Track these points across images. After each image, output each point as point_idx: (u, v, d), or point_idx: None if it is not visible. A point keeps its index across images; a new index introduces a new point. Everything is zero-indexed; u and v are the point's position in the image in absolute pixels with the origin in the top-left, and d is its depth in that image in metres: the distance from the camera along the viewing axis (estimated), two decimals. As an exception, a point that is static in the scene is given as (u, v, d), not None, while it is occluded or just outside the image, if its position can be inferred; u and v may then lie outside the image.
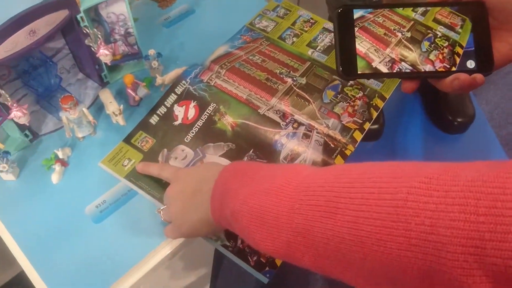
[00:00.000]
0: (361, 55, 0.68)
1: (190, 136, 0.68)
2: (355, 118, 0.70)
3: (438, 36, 0.75)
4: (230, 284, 1.34)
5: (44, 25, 0.56)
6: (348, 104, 0.72)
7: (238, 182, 0.46)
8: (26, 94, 0.69)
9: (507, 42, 0.52)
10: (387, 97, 0.74)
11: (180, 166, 0.65)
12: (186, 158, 0.66)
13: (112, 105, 0.67)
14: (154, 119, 0.70)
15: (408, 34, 0.74)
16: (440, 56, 0.70)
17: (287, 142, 0.67)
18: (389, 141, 1.24)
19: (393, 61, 0.60)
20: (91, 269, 0.58)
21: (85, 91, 0.74)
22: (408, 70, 0.58)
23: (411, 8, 0.85)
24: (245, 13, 0.84)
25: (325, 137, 0.67)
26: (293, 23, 0.84)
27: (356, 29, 0.67)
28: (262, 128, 0.68)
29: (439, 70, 0.57)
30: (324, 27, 0.83)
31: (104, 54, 0.63)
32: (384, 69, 0.59)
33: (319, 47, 0.80)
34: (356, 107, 0.72)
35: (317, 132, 0.68)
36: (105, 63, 0.69)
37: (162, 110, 0.71)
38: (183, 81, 0.73)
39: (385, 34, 0.73)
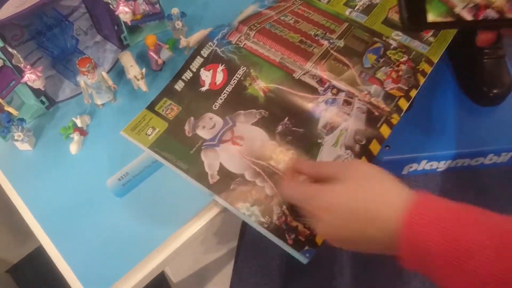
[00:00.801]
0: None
1: (219, 103, 0.62)
2: (399, 85, 0.63)
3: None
4: (253, 258, 1.31)
5: (58, -24, 0.50)
6: (391, 69, 0.65)
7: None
8: (41, 57, 0.64)
9: None
10: (435, 62, 0.66)
11: (208, 136, 0.60)
12: (215, 127, 0.61)
13: (133, 69, 0.61)
14: (179, 85, 0.64)
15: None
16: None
17: (326, 110, 0.60)
18: (417, 113, 1.16)
19: (478, 7, 0.51)
20: (114, 247, 0.53)
21: (103, 55, 0.68)
22: (494, 18, 0.49)
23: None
24: (275, -30, 0.76)
25: (367, 105, 0.61)
26: (329, -20, 0.76)
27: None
28: (297, 94, 0.62)
29: None
30: (363, -16, 0.75)
31: (124, 11, 0.57)
32: (469, 17, 0.49)
33: (357, 6, 0.72)
34: (400, 73, 0.65)
35: (359, 99, 0.61)
36: (125, 23, 0.63)
37: (187, 75, 0.65)
38: (210, 43, 0.66)
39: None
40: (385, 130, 0.59)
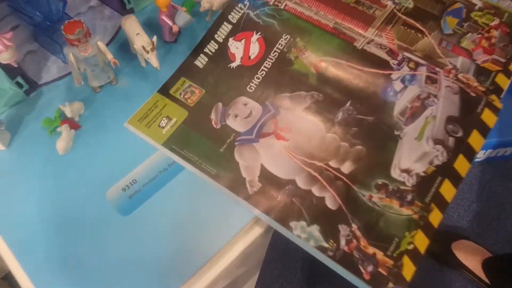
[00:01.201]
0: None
1: (255, 83, 0.47)
2: (494, 56, 0.48)
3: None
4: (277, 270, 1.17)
5: None
6: (480, 35, 0.49)
7: None
8: (18, 25, 0.49)
9: None
10: (536, 24, 0.50)
11: (243, 128, 0.44)
12: (252, 116, 0.45)
13: (140, 38, 0.45)
14: (201, 60, 0.49)
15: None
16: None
17: (404, 89, 0.45)
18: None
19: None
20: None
21: (101, 23, 0.52)
22: None
23: None
24: None
25: (458, 83, 0.45)
26: None
27: None
28: (363, 69, 0.46)
29: None
30: None
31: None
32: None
33: (427, -43, 0.56)
34: (493, 40, 0.49)
35: (445, 76, 0.45)
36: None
37: (211, 47, 0.49)
38: (240, 5, 0.50)
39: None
40: (488, 117, 0.43)
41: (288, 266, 1.22)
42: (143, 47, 0.43)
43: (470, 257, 1.19)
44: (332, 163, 0.43)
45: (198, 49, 0.50)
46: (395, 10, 0.51)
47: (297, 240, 0.39)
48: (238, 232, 0.40)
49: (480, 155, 1.37)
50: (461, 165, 0.41)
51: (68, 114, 0.45)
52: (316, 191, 0.42)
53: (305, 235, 0.40)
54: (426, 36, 0.49)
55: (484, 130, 0.42)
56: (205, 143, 0.44)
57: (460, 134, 0.42)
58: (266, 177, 0.42)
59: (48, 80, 0.49)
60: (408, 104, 0.44)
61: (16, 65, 0.41)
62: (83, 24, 0.41)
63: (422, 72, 0.46)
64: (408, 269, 0.38)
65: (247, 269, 0.69)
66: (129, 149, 0.44)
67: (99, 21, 0.53)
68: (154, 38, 0.44)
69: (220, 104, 0.46)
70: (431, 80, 0.45)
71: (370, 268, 0.38)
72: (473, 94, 0.44)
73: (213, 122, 0.45)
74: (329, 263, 0.38)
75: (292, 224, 0.40)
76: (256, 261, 0.71)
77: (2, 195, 0.42)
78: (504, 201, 1.38)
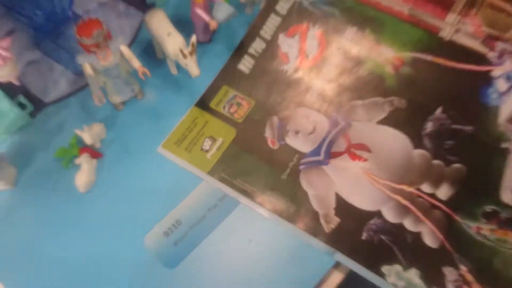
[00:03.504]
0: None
1: (318, 91, 0.38)
2: None
3: None
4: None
5: None
6: None
7: None
8: (14, 29, 0.39)
9: None
10: None
11: (307, 147, 0.35)
12: (317, 131, 0.37)
13: (173, 39, 0.36)
14: (245, 64, 0.40)
15: None
16: None
17: (510, 90, 0.36)
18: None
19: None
20: None
21: (115, 22, 0.43)
22: None
23: None
24: None
25: None
26: None
27: None
28: (454, 66, 0.37)
29: None
30: None
31: None
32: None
33: None
34: None
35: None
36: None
37: (258, 46, 0.41)
38: (289, -8, 0.41)
39: None
40: None
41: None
42: (181, 51, 0.34)
43: None
44: (425, 188, 0.34)
45: (240, 50, 0.41)
46: (477, -10, 0.42)
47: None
48: (318, 279, 0.32)
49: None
50: None
51: (87, 140, 0.36)
52: (409, 224, 0.33)
53: (402, 283, 0.31)
54: (519, 19, 0.40)
55: None
56: (262, 169, 0.36)
57: None
58: (344, 209, 0.34)
59: (57, 97, 0.41)
60: (517, 108, 0.36)
61: (18, 83, 0.31)
62: (102, 24, 0.32)
63: (529, 66, 0.37)
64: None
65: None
66: (166, 181, 0.36)
67: (113, 20, 0.44)
68: (194, 38, 0.35)
69: (275, 118, 0.37)
70: (542, 75, 0.36)
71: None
72: None
73: (269, 141, 0.37)
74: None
75: (384, 269, 0.32)
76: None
77: (12, 246, 0.33)
78: None
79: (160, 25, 0.37)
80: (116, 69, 0.36)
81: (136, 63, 0.34)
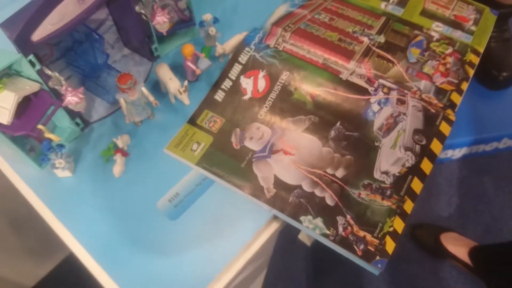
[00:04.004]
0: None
1: (264, 111, 0.59)
2: (449, 78, 0.61)
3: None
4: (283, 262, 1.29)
5: (95, -12, 0.46)
6: (438, 62, 0.62)
7: None
8: (70, 76, 0.60)
9: None
10: (481, 51, 0.64)
11: (258, 147, 0.56)
12: (263, 138, 0.57)
13: (173, 82, 0.57)
14: (219, 95, 0.61)
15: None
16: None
17: (380, 110, 0.58)
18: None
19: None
20: (172, 275, 0.50)
21: (133, 68, 0.64)
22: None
23: None
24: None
25: (421, 102, 0.58)
26: (359, -26, 0.73)
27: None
28: (348, 96, 0.59)
29: None
30: (395, -24, 0.72)
31: (161, 21, 0.53)
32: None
33: (392, -1, 0.70)
34: (448, 65, 0.62)
35: (412, 97, 0.59)
36: (157, 33, 0.59)
37: (227, 83, 0.61)
38: (247, 48, 0.63)
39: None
40: (445, 128, 0.56)
41: (292, 263, 1.34)
42: (178, 90, 0.56)
43: (458, 248, 1.33)
44: (329, 170, 0.55)
45: (216, 86, 0.61)
46: (370, 45, 0.64)
47: (306, 230, 0.52)
48: (261, 226, 0.53)
49: (457, 153, 1.51)
50: (426, 165, 0.54)
51: (120, 145, 0.56)
52: (318, 192, 0.54)
53: (312, 226, 0.52)
54: (395, 65, 0.62)
55: (442, 138, 0.55)
56: (229, 161, 0.56)
57: (424, 142, 0.55)
58: (279, 184, 0.54)
59: (98, 118, 0.60)
60: (384, 121, 0.57)
61: (84, 111, 0.53)
62: (132, 76, 0.53)
63: (394, 95, 0.59)
64: (390, 246, 0.50)
65: (257, 265, 0.81)
66: (170, 169, 0.56)
67: (131, 66, 0.65)
68: (186, 83, 0.56)
69: (238, 129, 0.58)
70: (401, 101, 0.58)
71: (362, 247, 0.50)
72: (433, 111, 0.57)
73: (233, 144, 0.57)
74: (332, 245, 0.51)
75: (302, 218, 0.52)
76: (265, 258, 0.83)
77: (75, 211, 0.54)
78: (481, 193, 1.52)
79: (165, 73, 0.59)
80: (138, 100, 0.57)
81: (151, 98, 0.56)
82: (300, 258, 1.35)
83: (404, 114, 0.57)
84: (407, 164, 0.54)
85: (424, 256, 1.39)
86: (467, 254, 1.30)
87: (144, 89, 0.55)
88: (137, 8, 0.55)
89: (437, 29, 0.66)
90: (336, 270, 1.31)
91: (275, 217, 0.54)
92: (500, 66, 1.33)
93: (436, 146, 0.55)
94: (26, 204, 0.54)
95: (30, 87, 0.48)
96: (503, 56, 1.39)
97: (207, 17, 0.62)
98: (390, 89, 0.59)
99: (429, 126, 0.56)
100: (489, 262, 1.25)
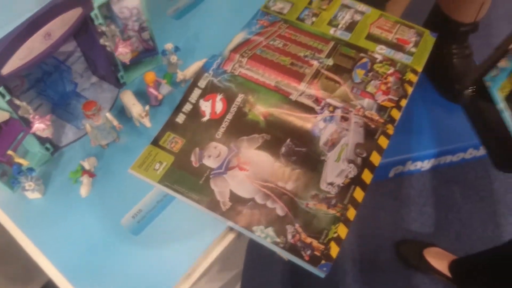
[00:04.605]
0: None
1: (221, 132, 0.64)
2: (390, 96, 0.67)
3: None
4: (259, 277, 1.32)
5: (59, 26, 0.52)
6: (380, 81, 0.68)
7: None
8: (41, 104, 0.65)
9: None
10: (420, 71, 0.70)
11: (215, 164, 0.61)
12: (220, 156, 0.62)
13: (136, 107, 0.62)
14: (180, 118, 0.66)
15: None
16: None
17: (325, 127, 0.63)
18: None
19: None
20: (137, 284, 0.54)
21: (101, 95, 0.69)
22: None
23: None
24: (258, -4, 0.79)
25: (363, 118, 0.64)
26: (310, 2, 0.79)
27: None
28: (296, 115, 0.64)
29: None
30: (342, 4, 0.79)
31: (124, 52, 0.59)
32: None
33: (340, 25, 0.76)
34: (389, 84, 0.68)
35: (355, 114, 0.64)
36: (122, 62, 0.64)
37: (187, 107, 0.66)
38: (206, 74, 0.68)
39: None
40: (383, 141, 0.62)
41: (269, 278, 1.38)
42: (140, 114, 0.61)
43: (440, 262, 1.38)
44: (280, 184, 0.60)
45: (177, 110, 0.65)
46: (319, 68, 0.70)
47: (258, 239, 0.56)
48: (217, 237, 0.58)
49: (426, 165, 1.57)
50: (367, 176, 0.60)
51: (87, 167, 0.61)
52: (269, 204, 0.58)
53: (264, 235, 0.56)
54: (342, 85, 0.68)
55: (380, 151, 0.61)
56: (189, 178, 0.60)
57: (364, 155, 0.61)
58: (234, 197, 0.58)
59: (67, 142, 0.64)
60: (329, 137, 0.62)
61: (51, 137, 0.57)
62: (96, 103, 0.58)
63: (338, 113, 0.64)
64: (334, 250, 0.55)
65: (229, 276, 0.85)
66: (134, 188, 0.60)
67: (99, 93, 0.69)
68: (147, 107, 0.61)
69: (197, 149, 0.63)
70: (344, 118, 0.64)
71: (308, 252, 0.55)
72: (373, 126, 0.63)
73: (193, 163, 0.61)
74: (281, 251, 0.55)
75: (254, 228, 0.57)
76: (236, 268, 0.87)
77: (45, 230, 0.58)
78: (450, 202, 1.58)
79: (128, 99, 0.64)
80: (103, 125, 0.62)
81: (115, 122, 0.61)
82: (277, 272, 1.39)
83: (347, 130, 0.63)
84: (350, 175, 0.60)
85: (408, 270, 1.43)
86: (447, 268, 1.35)
87: (108, 115, 0.60)
88: (101, 40, 0.60)
89: (380, 51, 0.72)
90: (313, 284, 1.35)
91: (231, 228, 0.59)
92: (462, 80, 1.41)
93: (375, 158, 0.61)
94: (4, 231, 0.58)
95: (1, 116, 0.53)
96: (464, 71, 1.47)
97: (169, 46, 0.68)
98: (335, 107, 0.65)
99: (369, 140, 0.62)
100: (466, 274, 1.30)
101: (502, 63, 0.33)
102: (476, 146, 1.59)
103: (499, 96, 0.33)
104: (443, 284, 1.37)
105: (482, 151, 1.63)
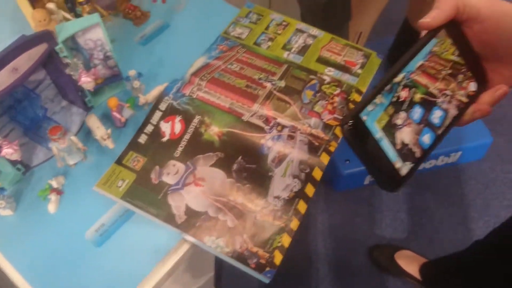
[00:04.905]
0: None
1: (179, 151, 0.70)
2: (335, 115, 0.73)
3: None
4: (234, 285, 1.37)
5: (25, 61, 0.58)
6: (327, 102, 0.74)
7: None
8: (13, 128, 0.71)
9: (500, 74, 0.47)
10: (364, 91, 0.77)
11: (173, 181, 0.67)
12: (178, 173, 0.68)
13: (99, 130, 0.68)
14: (142, 138, 0.72)
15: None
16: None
17: (273, 145, 0.69)
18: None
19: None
20: (99, 292, 0.60)
21: (71, 118, 0.75)
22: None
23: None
24: (219, 22, 0.85)
25: (308, 137, 0.70)
26: (267, 28, 0.86)
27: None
28: (247, 134, 0.70)
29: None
30: (297, 28, 0.86)
31: (86, 81, 0.65)
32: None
33: (293, 49, 0.82)
34: (335, 104, 0.74)
35: (301, 133, 0.70)
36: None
37: (149, 128, 0.72)
38: (166, 97, 0.74)
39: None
40: (324, 158, 0.68)
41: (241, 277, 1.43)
42: (102, 137, 0.67)
43: (410, 265, 1.43)
44: (231, 197, 0.65)
45: (140, 131, 0.71)
46: (272, 89, 0.76)
47: (209, 249, 0.62)
48: (172, 247, 0.63)
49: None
50: (309, 190, 0.66)
51: (54, 185, 0.67)
52: (221, 216, 0.64)
53: (214, 245, 0.62)
54: (292, 105, 0.74)
55: (322, 166, 0.67)
56: (148, 194, 0.66)
57: (308, 170, 0.67)
58: (189, 211, 0.64)
59: (38, 163, 0.69)
60: (276, 154, 0.69)
61: (20, 159, 0.63)
62: (61, 128, 0.64)
63: (285, 132, 0.71)
64: (278, 258, 0.61)
65: (206, 278, 0.90)
66: (98, 204, 0.66)
67: (69, 116, 0.75)
68: (109, 130, 0.67)
69: (157, 167, 0.69)
70: (291, 137, 0.70)
71: (254, 261, 0.61)
72: (316, 144, 0.69)
73: (153, 180, 0.67)
74: (230, 260, 0.61)
75: (206, 239, 0.63)
76: (206, 275, 0.93)
77: (16, 245, 0.64)
78: (423, 208, 1.64)
79: (93, 122, 0.70)
80: (70, 147, 0.68)
81: (80, 145, 0.66)
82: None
83: (293, 147, 0.69)
84: (294, 189, 0.66)
85: (380, 274, 1.49)
86: (418, 271, 1.40)
87: (73, 138, 0.66)
88: (67, 70, 0.67)
89: (329, 73, 0.79)
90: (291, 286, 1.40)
91: (186, 240, 0.65)
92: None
93: (317, 173, 0.67)
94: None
95: (-27, 142, 0.59)
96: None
97: (132, 72, 0.74)
98: (283, 127, 0.71)
99: (312, 157, 0.68)
100: (435, 276, 1.36)
101: (377, 100, 0.40)
102: (446, 153, 1.66)
103: (376, 127, 0.39)
104: (414, 287, 1.43)
105: (453, 158, 1.69)
